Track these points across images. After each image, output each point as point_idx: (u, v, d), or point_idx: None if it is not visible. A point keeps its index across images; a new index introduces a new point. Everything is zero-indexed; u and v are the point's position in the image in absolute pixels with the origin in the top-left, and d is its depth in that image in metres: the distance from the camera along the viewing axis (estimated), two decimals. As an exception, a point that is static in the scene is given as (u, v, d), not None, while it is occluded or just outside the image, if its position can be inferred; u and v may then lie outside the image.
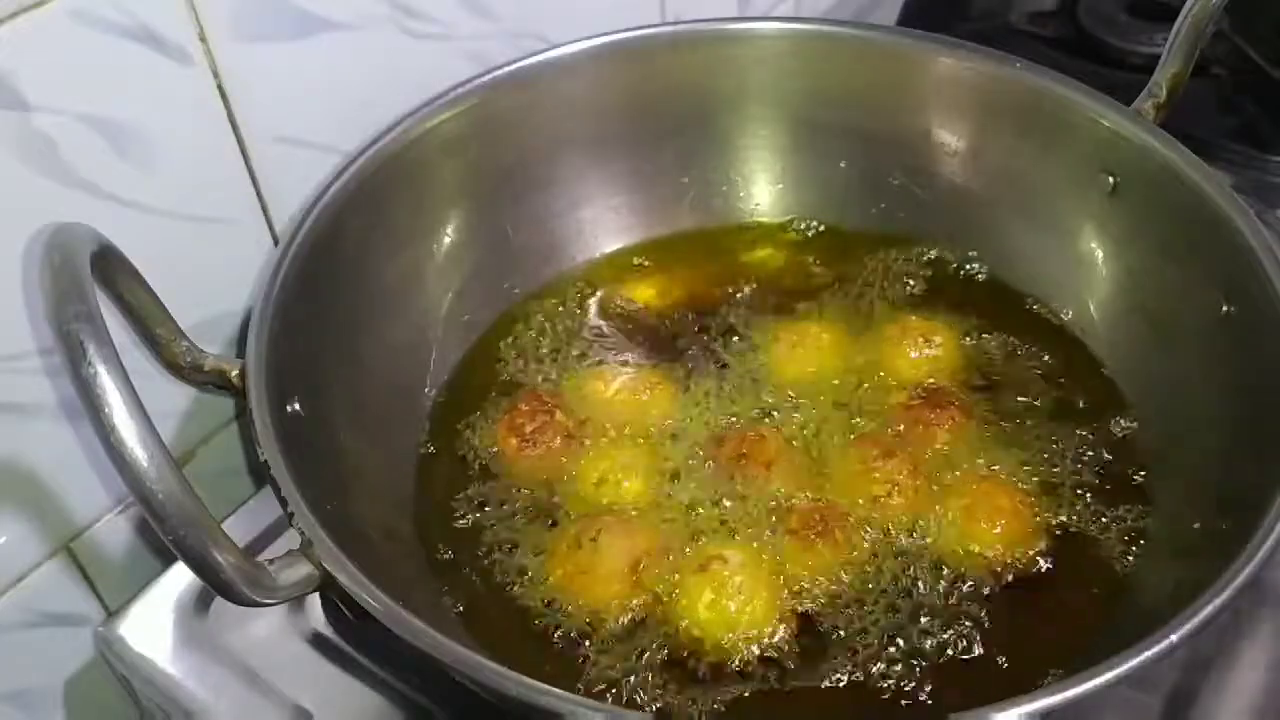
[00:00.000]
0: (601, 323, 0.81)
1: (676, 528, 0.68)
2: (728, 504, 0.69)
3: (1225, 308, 0.67)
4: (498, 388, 0.77)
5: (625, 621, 0.64)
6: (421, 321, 0.76)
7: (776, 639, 0.63)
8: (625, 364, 0.78)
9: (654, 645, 0.63)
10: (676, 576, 0.65)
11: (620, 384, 0.76)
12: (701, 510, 0.69)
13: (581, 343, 0.80)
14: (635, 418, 0.74)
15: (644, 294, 0.83)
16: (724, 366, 0.77)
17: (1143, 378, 0.73)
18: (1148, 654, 0.49)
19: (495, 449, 0.73)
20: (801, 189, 0.86)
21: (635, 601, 0.65)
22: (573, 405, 0.75)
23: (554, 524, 0.69)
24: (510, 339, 0.80)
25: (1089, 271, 0.77)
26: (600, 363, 0.78)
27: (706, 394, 0.75)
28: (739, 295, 0.82)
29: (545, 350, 0.79)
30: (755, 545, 0.66)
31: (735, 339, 0.79)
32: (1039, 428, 0.73)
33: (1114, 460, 0.71)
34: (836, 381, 0.76)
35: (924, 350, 0.76)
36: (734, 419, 0.74)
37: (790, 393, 0.75)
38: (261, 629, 0.69)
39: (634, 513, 0.69)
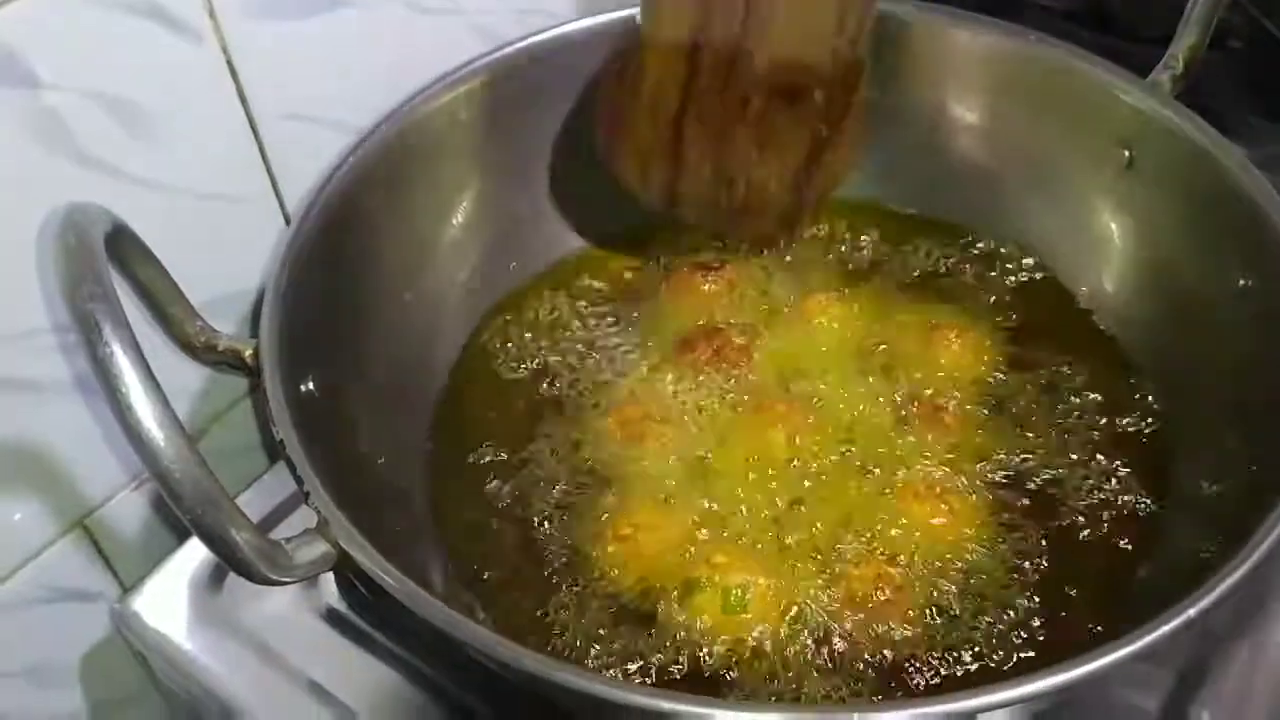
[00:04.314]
0: (611, 304, 0.81)
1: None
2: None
3: (1242, 281, 0.67)
4: (509, 367, 0.77)
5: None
6: (433, 300, 0.76)
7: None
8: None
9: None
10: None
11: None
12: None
13: (593, 324, 0.80)
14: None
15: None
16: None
17: (1159, 351, 0.73)
18: (1165, 628, 0.49)
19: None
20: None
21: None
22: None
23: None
24: (523, 318, 0.80)
25: (1104, 245, 0.77)
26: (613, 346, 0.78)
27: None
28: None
29: (558, 332, 0.79)
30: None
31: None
32: (1056, 403, 0.73)
33: (1131, 434, 0.71)
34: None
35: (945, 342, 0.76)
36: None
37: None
38: (275, 604, 0.69)
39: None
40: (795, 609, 0.64)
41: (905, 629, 0.63)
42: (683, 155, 0.77)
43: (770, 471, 0.70)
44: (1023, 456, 0.70)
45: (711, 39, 0.74)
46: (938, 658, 0.62)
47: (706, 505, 0.68)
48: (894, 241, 0.83)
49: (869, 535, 0.66)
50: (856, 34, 0.74)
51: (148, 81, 0.63)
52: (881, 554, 0.65)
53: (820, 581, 0.64)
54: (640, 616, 0.64)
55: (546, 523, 0.69)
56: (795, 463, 0.70)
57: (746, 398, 0.74)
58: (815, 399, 0.73)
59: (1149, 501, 0.68)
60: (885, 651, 0.62)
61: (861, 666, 0.62)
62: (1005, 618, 0.63)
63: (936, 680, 0.61)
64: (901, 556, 0.65)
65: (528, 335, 0.79)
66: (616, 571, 0.66)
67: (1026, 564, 0.65)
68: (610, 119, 0.78)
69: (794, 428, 0.71)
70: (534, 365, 0.77)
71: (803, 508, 0.68)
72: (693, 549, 0.66)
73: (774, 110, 0.76)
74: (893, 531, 0.66)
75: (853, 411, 0.72)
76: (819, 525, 0.67)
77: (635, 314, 0.80)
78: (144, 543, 0.75)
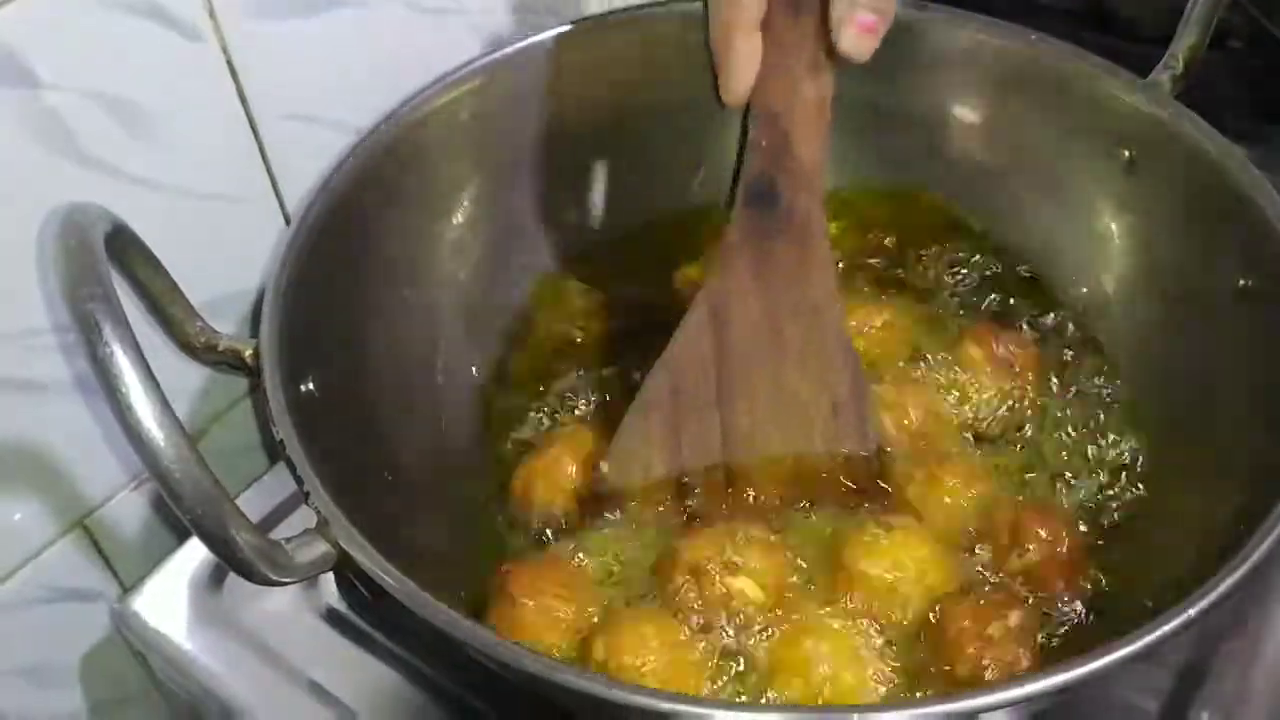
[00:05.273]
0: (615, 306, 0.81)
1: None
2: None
3: (1242, 281, 0.66)
4: (513, 367, 0.77)
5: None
6: (434, 300, 0.76)
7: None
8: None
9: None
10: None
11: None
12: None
13: (595, 326, 0.80)
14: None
15: (652, 274, 0.82)
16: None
17: (1159, 351, 0.73)
18: (1165, 628, 0.49)
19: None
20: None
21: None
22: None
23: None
24: (523, 319, 0.80)
25: (1104, 246, 0.77)
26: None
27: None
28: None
29: (560, 335, 0.79)
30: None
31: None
32: (1054, 404, 0.73)
33: (1129, 436, 0.71)
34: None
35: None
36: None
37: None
38: (275, 604, 0.69)
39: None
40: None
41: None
42: None
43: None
44: (1023, 458, 0.70)
45: (693, 468, 0.67)
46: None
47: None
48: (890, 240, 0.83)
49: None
50: (863, 418, 0.67)
51: (148, 81, 0.63)
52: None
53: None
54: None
55: (547, 522, 0.69)
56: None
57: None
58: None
59: (1145, 497, 0.68)
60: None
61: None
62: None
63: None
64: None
65: (529, 336, 0.79)
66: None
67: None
68: None
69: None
70: (536, 366, 0.77)
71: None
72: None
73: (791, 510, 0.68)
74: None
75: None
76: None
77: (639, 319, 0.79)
78: (144, 543, 0.75)
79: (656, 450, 0.67)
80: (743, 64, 0.65)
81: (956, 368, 0.73)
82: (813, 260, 0.66)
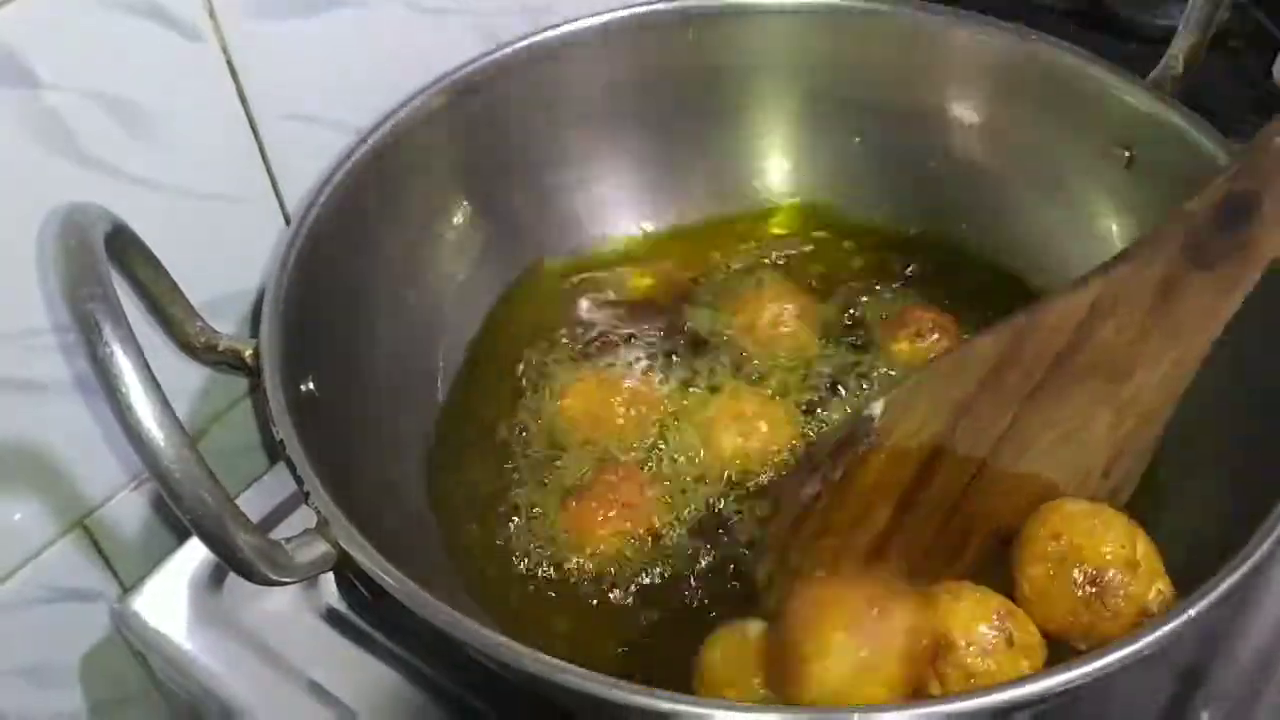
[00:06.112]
0: (606, 305, 0.81)
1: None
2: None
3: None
4: (509, 367, 0.77)
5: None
6: (433, 300, 0.76)
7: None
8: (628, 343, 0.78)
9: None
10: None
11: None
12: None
13: (587, 324, 0.80)
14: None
15: (651, 275, 0.83)
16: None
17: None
18: (1165, 628, 0.49)
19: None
20: (815, 165, 0.85)
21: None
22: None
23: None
24: (523, 319, 0.80)
25: (1103, 246, 0.76)
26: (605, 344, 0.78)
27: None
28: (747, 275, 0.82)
29: (560, 335, 0.79)
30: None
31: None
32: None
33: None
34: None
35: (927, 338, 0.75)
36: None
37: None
38: (275, 604, 0.70)
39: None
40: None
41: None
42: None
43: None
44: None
45: (954, 449, 0.60)
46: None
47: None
48: (891, 241, 0.83)
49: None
50: (1121, 485, 0.62)
51: (148, 81, 0.63)
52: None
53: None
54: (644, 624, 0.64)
55: (547, 521, 0.69)
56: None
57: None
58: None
59: (1140, 498, 0.67)
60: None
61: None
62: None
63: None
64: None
65: (528, 336, 0.79)
66: (614, 573, 0.66)
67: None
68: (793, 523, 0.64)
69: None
70: (536, 367, 0.77)
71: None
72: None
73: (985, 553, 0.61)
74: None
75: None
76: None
77: (642, 323, 0.79)
78: (144, 543, 0.75)
79: (939, 415, 0.60)
80: None
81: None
82: (1221, 312, 0.58)
